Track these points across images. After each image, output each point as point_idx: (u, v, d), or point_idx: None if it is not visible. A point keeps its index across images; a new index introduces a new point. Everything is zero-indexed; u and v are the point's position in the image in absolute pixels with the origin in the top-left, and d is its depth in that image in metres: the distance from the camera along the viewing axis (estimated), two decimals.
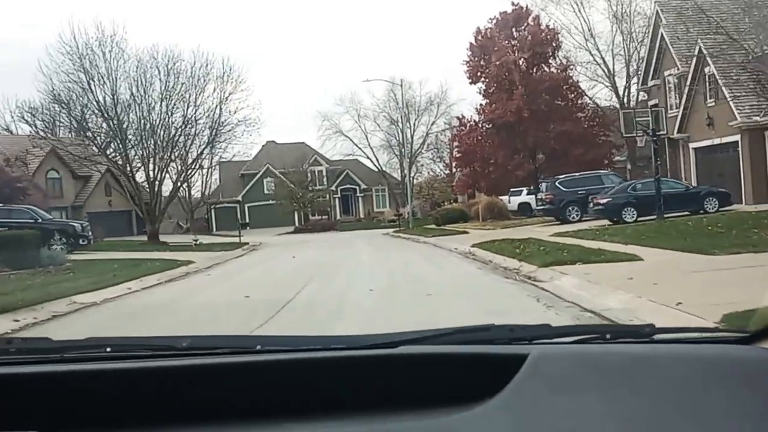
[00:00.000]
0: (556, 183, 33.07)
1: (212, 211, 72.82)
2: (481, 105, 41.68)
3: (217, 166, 74.73)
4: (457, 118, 41.63)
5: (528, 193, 48.52)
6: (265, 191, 68.51)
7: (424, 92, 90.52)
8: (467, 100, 71.25)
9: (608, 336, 1.81)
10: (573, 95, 40.62)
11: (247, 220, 72.64)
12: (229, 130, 43.36)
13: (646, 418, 1.49)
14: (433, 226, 48.39)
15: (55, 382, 1.65)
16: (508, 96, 39.86)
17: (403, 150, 74.78)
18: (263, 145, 76.92)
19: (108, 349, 1.77)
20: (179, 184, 45.46)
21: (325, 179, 73.11)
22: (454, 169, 46.51)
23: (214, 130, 42.65)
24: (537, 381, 1.57)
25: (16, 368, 1.70)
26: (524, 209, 48.47)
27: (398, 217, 51.32)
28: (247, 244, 41.54)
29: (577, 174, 33.93)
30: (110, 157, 42.08)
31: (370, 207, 75.28)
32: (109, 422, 1.58)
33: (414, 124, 75.36)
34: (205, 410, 1.62)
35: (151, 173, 42.40)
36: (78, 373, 1.68)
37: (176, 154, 43.66)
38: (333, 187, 73.79)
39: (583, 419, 1.49)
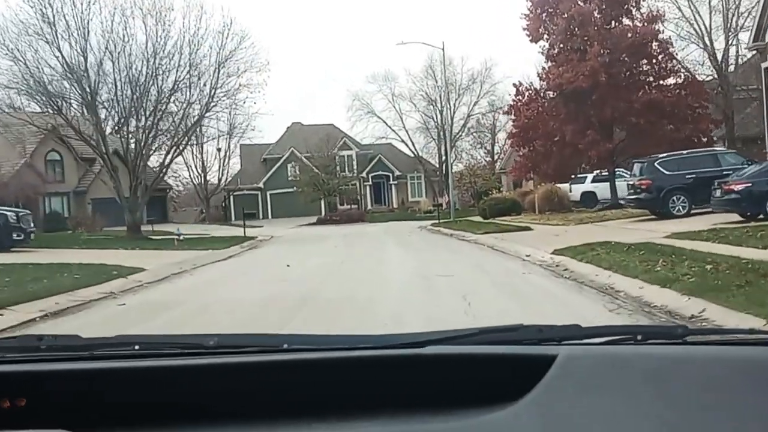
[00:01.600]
0: (656, 164, 23.78)
1: (231, 198, 64.22)
2: (544, 69, 32.46)
3: (237, 150, 66.35)
4: (514, 84, 32.47)
5: (594, 180, 39.30)
6: (289, 177, 59.69)
7: (465, 69, 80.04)
8: (514, 77, 62.27)
9: (639, 337, 1.72)
10: (662, 55, 31.14)
11: (269, 209, 64.15)
12: (227, 96, 34.51)
13: (678, 420, 1.44)
14: (479, 218, 39.39)
15: (84, 380, 1.62)
16: (579, 56, 30.60)
17: (442, 133, 65.64)
18: (288, 127, 68.33)
19: (136, 347, 1.74)
20: (167, 161, 36.64)
21: (354, 165, 64.20)
22: (512, 147, 37.14)
23: (210, 97, 33.85)
24: (566, 382, 1.53)
25: (46, 365, 1.68)
26: (588, 200, 39.29)
27: (437, 208, 42.21)
28: (252, 238, 32.95)
29: (684, 152, 24.58)
30: (82, 132, 33.23)
31: (404, 196, 66.18)
32: (137, 420, 1.53)
33: (454, 105, 66.15)
34: (233, 408, 1.57)
35: (129, 147, 33.68)
36: (107, 371, 1.65)
37: (164, 126, 34.89)
38: (363, 174, 64.85)
39: (612, 421, 1.45)
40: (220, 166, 63.75)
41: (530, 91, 32.98)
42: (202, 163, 62.53)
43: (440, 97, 65.26)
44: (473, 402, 1.53)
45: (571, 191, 38.99)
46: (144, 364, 1.67)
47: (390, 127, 66.39)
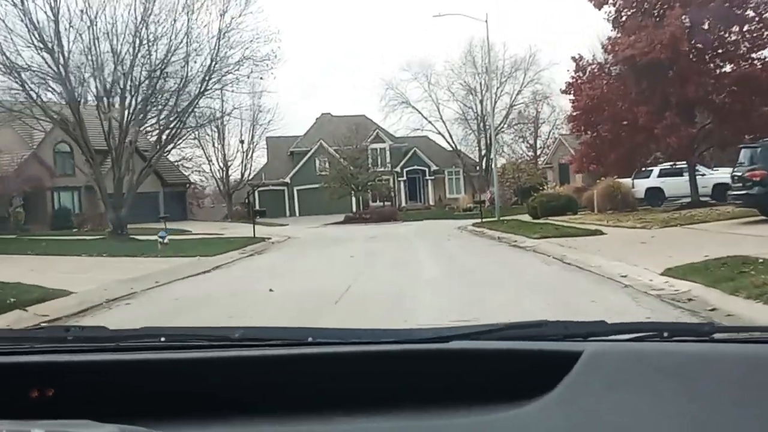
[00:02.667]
0: None
1: (255, 194, 58.93)
2: (610, 39, 26.56)
3: (262, 142, 61.14)
4: (573, 58, 26.59)
5: (661, 174, 33.28)
6: (318, 172, 54.19)
7: (507, 56, 73.08)
8: (561, 64, 56.27)
9: (666, 334, 1.70)
10: (758, 21, 25.04)
11: (296, 206, 58.85)
12: (229, 71, 29.06)
13: (704, 418, 1.42)
14: (528, 218, 33.60)
15: (110, 371, 1.62)
16: (655, 22, 24.68)
17: (482, 124, 59.77)
18: (317, 118, 62.91)
19: (162, 339, 1.73)
20: (159, 148, 31.41)
21: (388, 158, 58.57)
22: (572, 132, 31.21)
23: (209, 70, 28.46)
24: (591, 378, 1.50)
25: (73, 356, 1.67)
26: (653, 197, 33.32)
27: (479, 205, 36.43)
28: (263, 240, 27.61)
29: None
30: (53, 111, 28.01)
31: (441, 192, 60.40)
32: (162, 411, 1.52)
33: (496, 94, 60.15)
34: (257, 401, 1.56)
35: (112, 131, 28.46)
36: (133, 363, 1.65)
37: (155, 105, 29.57)
38: (397, 169, 59.19)
39: (638, 418, 1.42)
40: (242, 160, 58.53)
41: (593, 66, 27.09)
42: (224, 156, 57.42)
43: (480, 85, 59.42)
44: (497, 397, 1.50)
45: (633, 187, 33.07)
46: (169, 356, 1.65)
47: (426, 118, 60.63)
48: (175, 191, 55.36)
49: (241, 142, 57.75)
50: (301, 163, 58.32)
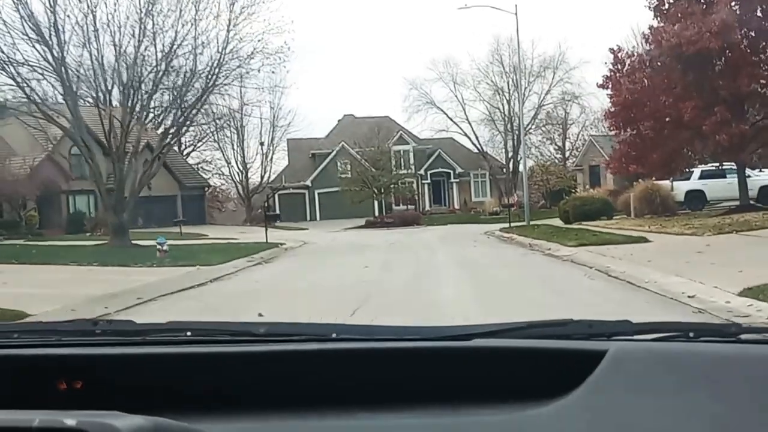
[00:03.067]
0: None
1: (275, 198, 57.09)
2: (651, 29, 24.21)
3: (282, 144, 59.30)
4: (611, 50, 24.28)
5: (702, 176, 30.85)
6: (340, 174, 52.09)
7: (536, 54, 69.78)
8: (593, 62, 53.59)
9: (691, 334, 1.69)
10: None
11: (317, 210, 56.89)
12: (239, 66, 27.06)
13: (729, 419, 1.41)
14: (559, 222, 31.34)
15: (137, 364, 1.64)
16: (704, 9, 22.32)
17: (509, 125, 57.48)
18: (339, 120, 61.02)
19: (188, 333, 1.74)
20: (163, 149, 29.57)
21: (411, 161, 56.45)
22: (610, 129, 28.75)
23: (216, 63, 26.52)
24: (616, 378, 1.49)
25: (101, 349, 1.69)
26: (694, 200, 30.92)
27: (506, 209, 34.16)
28: (276, 246, 25.67)
29: None
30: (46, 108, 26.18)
31: (466, 195, 58.16)
32: (188, 405, 1.53)
33: (524, 94, 57.82)
34: (281, 396, 1.57)
35: (113, 128, 26.61)
36: (159, 356, 1.66)
37: (158, 100, 27.71)
38: (421, 171, 57.04)
39: (662, 419, 1.41)
40: (262, 162, 56.65)
41: (633, 58, 24.77)
42: (243, 159, 55.59)
43: (508, 85, 57.16)
44: (521, 395, 1.49)
45: (672, 189, 30.68)
46: (195, 350, 1.66)
47: (451, 119, 58.44)
48: (194, 194, 53.67)
49: (261, 144, 56.02)
50: (323, 165, 56.30)
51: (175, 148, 61.19)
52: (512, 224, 31.90)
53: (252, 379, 1.60)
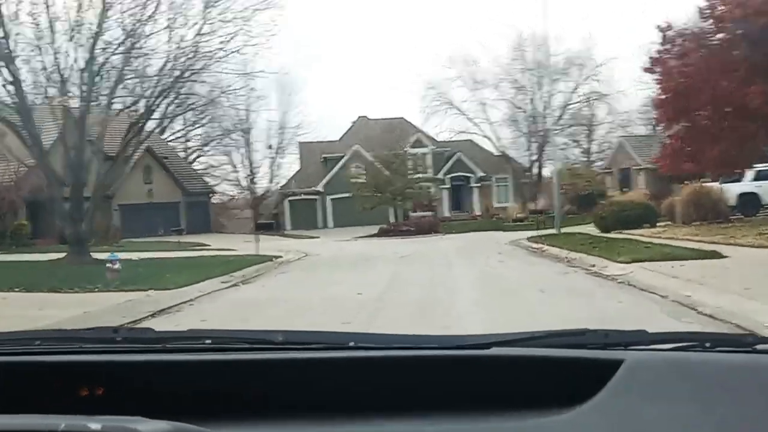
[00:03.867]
0: None
1: (285, 204, 53.38)
2: (709, 2, 20.10)
3: (291, 148, 55.53)
4: (659, 28, 20.23)
5: (757, 178, 26.67)
6: (351, 179, 48.13)
7: (561, 50, 64.88)
8: (622, 57, 49.23)
9: (707, 344, 1.67)
10: None
11: (329, 217, 53.09)
12: (203, 66, 23.16)
13: (744, 429, 1.40)
14: (594, 229, 27.31)
15: (157, 371, 1.65)
16: None
17: (533, 126, 53.36)
18: (353, 122, 57.19)
19: (208, 341, 1.75)
20: (130, 140, 25.78)
21: (430, 164, 52.52)
22: (665, 119, 24.52)
23: (176, 57, 22.58)
24: (632, 387, 1.48)
25: (122, 356, 1.70)
26: (747, 204, 26.81)
27: (535, 216, 30.10)
28: (269, 260, 21.91)
29: None
30: None
31: (488, 201, 54.03)
32: (207, 411, 1.54)
33: (547, 93, 53.76)
34: (298, 403, 1.58)
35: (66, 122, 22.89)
36: (179, 363, 1.67)
37: (121, 87, 23.85)
38: (440, 175, 53.06)
39: (678, 428, 1.41)
40: (270, 166, 52.87)
41: (686, 38, 20.67)
42: (250, 163, 51.87)
43: (532, 82, 53.05)
44: (537, 404, 1.48)
45: (721, 191, 26.54)
46: (214, 358, 1.67)
47: (471, 120, 54.33)
48: (198, 201, 50.01)
49: (269, 147, 52.18)
50: (335, 170, 52.44)
51: (181, 153, 57.95)
52: (540, 232, 27.86)
53: (270, 386, 1.59)
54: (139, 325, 10.46)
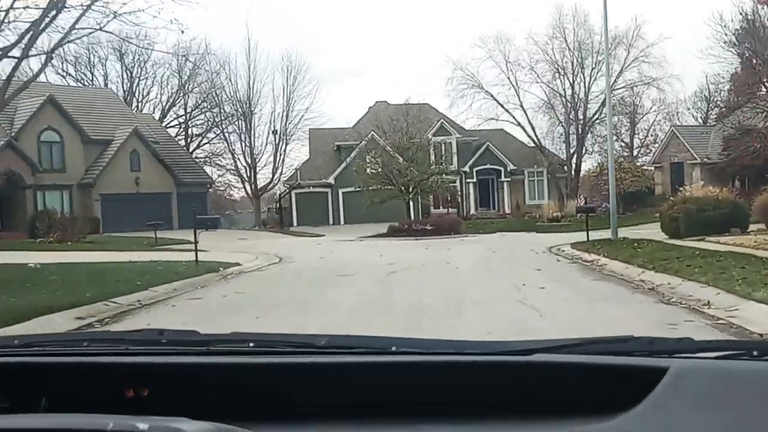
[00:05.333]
0: None
1: (291, 197, 46.65)
2: None
3: (297, 133, 48.78)
4: None
5: None
6: (356, 169, 41.04)
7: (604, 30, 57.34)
8: (675, 38, 41.80)
9: (755, 353, 1.60)
10: None
11: (341, 212, 46.29)
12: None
13: None
14: (660, 234, 20.32)
15: (201, 374, 1.64)
16: None
17: (574, 113, 46.06)
18: (370, 107, 50.05)
19: (251, 344, 1.74)
20: None
21: (454, 155, 45.43)
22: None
23: None
24: (677, 396, 1.43)
25: (167, 358, 1.70)
26: None
27: (584, 215, 22.88)
28: (213, 271, 15.31)
29: None
30: None
31: (519, 197, 46.82)
32: (250, 414, 1.53)
33: (589, 77, 46.43)
34: (341, 407, 1.55)
35: None
36: (223, 366, 1.66)
37: None
38: (466, 168, 45.94)
39: None
40: (274, 155, 46.06)
41: None
42: (251, 150, 45.12)
43: (572, 64, 45.77)
44: (580, 412, 1.44)
45: None
46: (258, 361, 1.66)
47: (502, 105, 47.15)
48: (193, 192, 43.42)
49: (274, 132, 45.41)
50: (348, 160, 45.45)
51: (175, 137, 51.58)
52: (589, 237, 20.77)
53: (312, 389, 1.58)
54: None
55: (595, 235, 20.81)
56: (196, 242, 16.72)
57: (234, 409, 1.54)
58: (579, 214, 24.65)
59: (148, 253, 23.95)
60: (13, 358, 1.73)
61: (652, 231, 23.09)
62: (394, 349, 1.66)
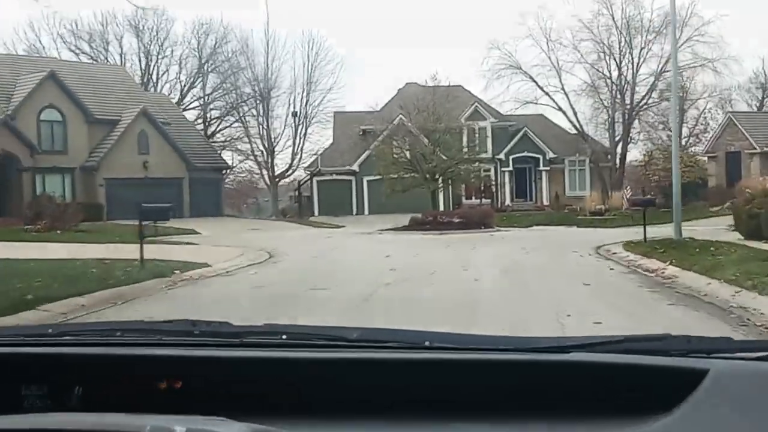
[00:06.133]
0: None
1: (313, 184, 43.00)
2: None
3: (318, 116, 45.05)
4: None
5: None
6: (387, 154, 37.10)
7: (655, 6, 50.33)
8: (733, 14, 37.27)
9: None
10: None
11: (365, 201, 42.57)
12: None
13: None
14: (735, 234, 16.34)
15: (235, 366, 1.62)
16: None
17: (619, 96, 41.66)
18: (399, 89, 45.95)
19: (284, 336, 1.72)
20: None
21: (489, 141, 41.36)
22: None
23: None
24: (718, 399, 1.38)
25: (200, 350, 1.67)
26: None
27: (639, 209, 18.75)
28: (161, 276, 11.60)
29: None
30: None
31: (558, 188, 42.51)
32: (282, 408, 1.53)
33: (639, 57, 41.96)
34: (375, 403, 1.51)
35: None
36: (255, 360, 1.63)
37: None
38: (501, 155, 41.82)
39: None
40: (294, 138, 42.34)
41: None
42: (268, 134, 41.46)
43: (620, 44, 41.35)
44: (617, 412, 1.41)
45: None
46: (290, 355, 1.64)
47: (541, 88, 42.98)
48: (206, 178, 40.00)
49: (294, 114, 41.69)
50: (373, 145, 41.52)
51: (195, 120, 48.31)
52: (643, 234, 16.72)
53: (344, 385, 1.55)
54: None
55: (655, 233, 16.85)
56: (141, 240, 13.03)
57: (265, 404, 1.51)
58: (633, 208, 20.57)
59: (130, 247, 20.44)
60: (48, 348, 1.71)
61: (714, 228, 19.04)
62: (427, 344, 1.63)
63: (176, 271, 12.54)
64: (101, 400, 1.42)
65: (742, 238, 16.16)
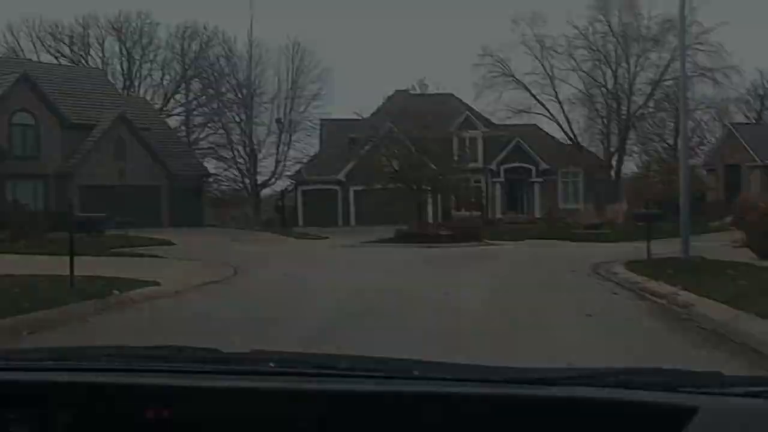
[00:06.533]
0: None
1: (297, 194, 41.33)
2: None
3: (302, 123, 43.39)
4: None
5: None
6: (380, 163, 35.43)
7: (652, 14, 48.52)
8: (734, 22, 35.75)
9: None
10: None
11: (351, 212, 41.02)
12: None
13: None
14: (748, 254, 14.70)
15: (221, 396, 1.57)
16: None
17: (617, 107, 40.15)
18: (388, 97, 44.58)
19: (272, 364, 1.70)
20: None
21: (480, 151, 39.84)
22: None
23: None
24: None
25: (188, 379, 1.62)
26: None
27: (645, 222, 17.00)
28: (101, 296, 9.89)
29: None
30: None
31: (552, 201, 40.95)
32: None
33: (635, 65, 40.49)
34: None
35: None
36: (243, 390, 1.59)
37: None
38: (492, 165, 40.27)
39: None
40: (277, 146, 40.63)
41: None
42: (250, 141, 39.73)
43: (616, 52, 39.86)
44: None
45: None
46: (278, 386, 1.60)
47: (535, 97, 41.49)
48: (187, 186, 38.24)
49: (278, 121, 40.00)
50: (360, 154, 39.87)
51: (179, 127, 46.51)
52: (647, 251, 15.08)
53: (332, 417, 1.53)
54: None
55: (660, 250, 15.22)
56: (71, 254, 11.25)
57: None
58: (638, 223, 19.00)
59: (82, 260, 18.71)
60: (35, 373, 1.69)
61: (719, 245, 17.41)
62: (416, 374, 1.64)
63: (116, 292, 10.80)
64: (88, 428, 1.39)
65: (756, 257, 14.55)
